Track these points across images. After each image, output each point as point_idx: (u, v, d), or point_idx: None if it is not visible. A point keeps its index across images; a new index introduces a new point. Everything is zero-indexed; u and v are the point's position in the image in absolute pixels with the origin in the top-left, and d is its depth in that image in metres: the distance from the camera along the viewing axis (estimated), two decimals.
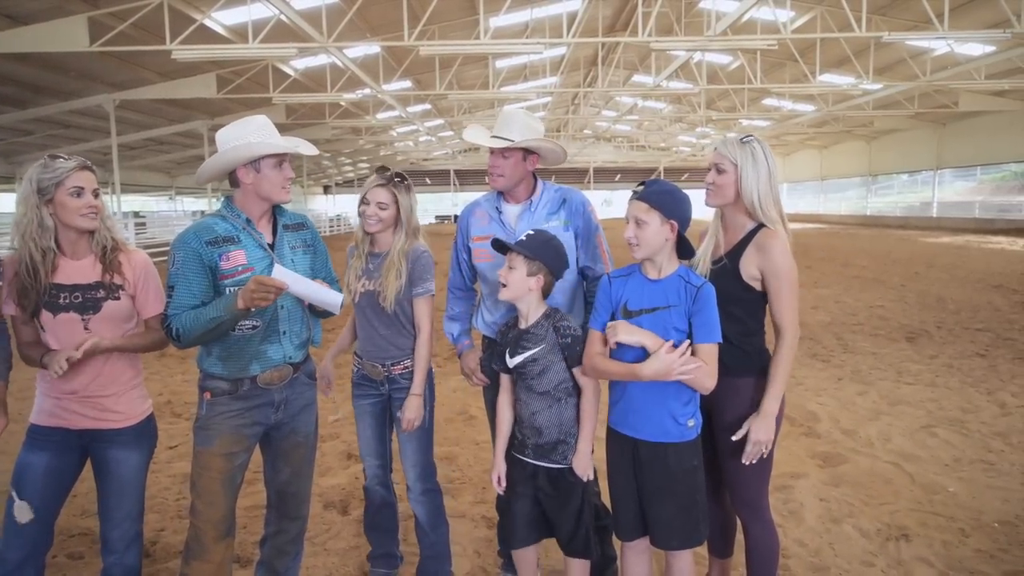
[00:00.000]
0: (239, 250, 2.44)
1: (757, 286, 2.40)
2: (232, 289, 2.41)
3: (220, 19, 15.32)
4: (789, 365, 2.39)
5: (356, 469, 4.38)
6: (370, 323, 2.88)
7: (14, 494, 2.28)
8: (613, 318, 2.39)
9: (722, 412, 2.46)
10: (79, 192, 2.28)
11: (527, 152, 2.82)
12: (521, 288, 2.46)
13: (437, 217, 55.63)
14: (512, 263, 2.46)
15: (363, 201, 2.80)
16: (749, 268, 2.39)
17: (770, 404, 2.37)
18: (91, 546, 3.44)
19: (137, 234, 21.48)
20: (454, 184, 58.49)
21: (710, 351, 2.24)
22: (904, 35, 16.37)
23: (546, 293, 2.52)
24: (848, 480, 4.09)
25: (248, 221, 2.50)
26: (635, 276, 2.40)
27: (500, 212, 2.91)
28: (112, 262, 2.38)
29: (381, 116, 29.26)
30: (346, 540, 3.55)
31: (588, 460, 2.51)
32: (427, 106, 30.66)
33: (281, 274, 2.26)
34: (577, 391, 2.52)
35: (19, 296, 2.29)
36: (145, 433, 2.52)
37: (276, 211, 2.60)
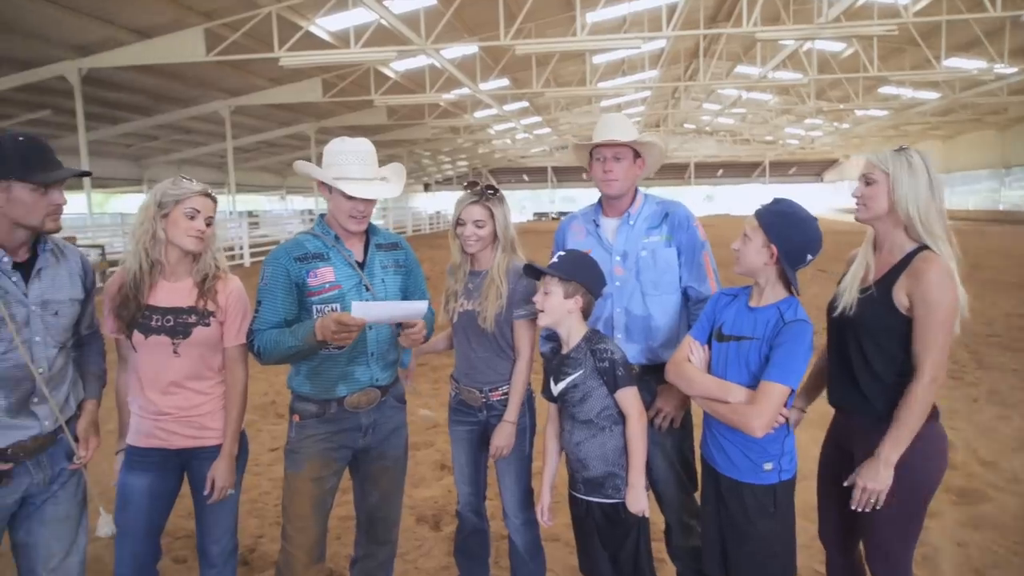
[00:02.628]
0: (328, 267, 2.42)
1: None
2: (319, 307, 2.39)
3: (324, 25, 15.85)
4: (922, 411, 2.07)
5: (450, 481, 4.31)
6: (468, 344, 2.76)
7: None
8: (710, 338, 2.29)
9: (864, 457, 2.18)
10: (193, 215, 2.32)
11: (635, 156, 2.65)
12: (559, 312, 2.36)
13: (535, 214, 55.74)
14: (547, 287, 2.37)
15: (458, 222, 2.67)
16: (901, 296, 2.10)
17: (888, 450, 2.08)
18: (195, 550, 3.53)
19: (250, 232, 22.62)
20: (551, 181, 58.43)
21: (768, 390, 2.04)
22: None
23: (586, 314, 2.41)
24: (990, 522, 3.63)
25: (336, 238, 2.46)
26: (740, 299, 2.27)
27: (597, 226, 2.74)
28: (209, 289, 2.39)
29: (479, 115, 29.53)
30: (437, 559, 3.47)
31: (642, 495, 2.34)
32: (524, 104, 30.69)
33: (360, 310, 2.19)
34: (623, 419, 2.36)
35: (119, 308, 2.33)
36: (240, 449, 2.55)
37: (370, 229, 2.55)
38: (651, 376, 2.62)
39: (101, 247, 15.36)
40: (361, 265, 2.49)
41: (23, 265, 2.09)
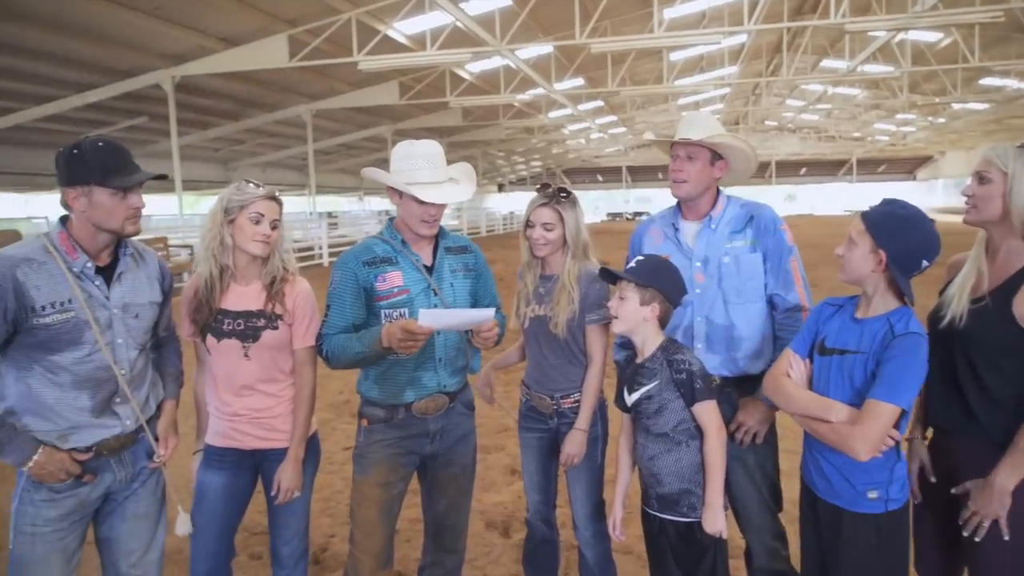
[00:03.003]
0: (396, 271, 2.40)
1: None
2: (387, 312, 2.37)
3: (402, 29, 16.13)
4: None
5: (520, 487, 4.24)
6: (540, 350, 2.68)
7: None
8: (811, 351, 2.12)
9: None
10: (258, 219, 2.33)
11: (715, 157, 2.50)
12: (634, 319, 2.25)
13: (609, 214, 55.16)
14: (623, 293, 2.26)
15: (528, 224, 2.61)
16: (1022, 308, 1.91)
17: (1003, 477, 1.89)
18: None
19: (329, 232, 23.30)
20: (626, 181, 57.66)
21: (874, 410, 1.86)
22: None
23: (663, 322, 2.29)
24: None
25: (404, 243, 2.43)
26: (845, 310, 2.09)
27: (676, 230, 2.61)
28: (277, 292, 2.40)
29: (553, 115, 29.45)
30: (506, 567, 3.41)
31: (720, 515, 2.20)
32: (599, 103, 30.41)
33: (428, 319, 2.14)
34: (701, 434, 2.22)
35: (193, 312, 2.39)
36: (310, 451, 2.55)
37: (439, 233, 2.52)
38: (733, 389, 2.48)
39: (191, 247, 16.05)
40: (430, 269, 2.46)
41: (104, 269, 2.15)
